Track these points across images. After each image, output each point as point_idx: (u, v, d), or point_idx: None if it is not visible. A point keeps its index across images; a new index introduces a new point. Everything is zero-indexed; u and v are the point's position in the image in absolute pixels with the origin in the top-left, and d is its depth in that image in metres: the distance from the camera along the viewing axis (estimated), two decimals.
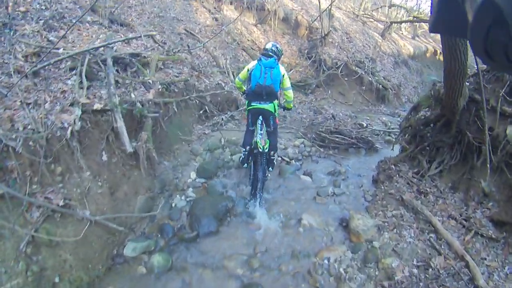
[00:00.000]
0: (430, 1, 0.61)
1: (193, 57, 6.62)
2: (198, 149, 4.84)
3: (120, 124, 3.10)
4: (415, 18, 16.40)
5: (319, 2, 11.33)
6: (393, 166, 4.56)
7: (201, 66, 6.34)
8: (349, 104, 10.22)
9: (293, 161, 5.06)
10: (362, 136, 6.34)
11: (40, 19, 4.42)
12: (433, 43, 19.88)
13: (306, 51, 11.00)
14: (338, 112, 9.09)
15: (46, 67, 3.47)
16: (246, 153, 4.11)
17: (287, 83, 3.66)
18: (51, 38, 4.18)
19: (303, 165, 5.07)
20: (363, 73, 10.69)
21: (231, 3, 10.46)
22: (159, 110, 3.88)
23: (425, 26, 20.93)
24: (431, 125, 4.18)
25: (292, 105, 4.05)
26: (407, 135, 4.77)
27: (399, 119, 9.34)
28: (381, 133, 7.35)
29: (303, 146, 5.66)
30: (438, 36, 21.94)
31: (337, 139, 5.98)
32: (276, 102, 3.76)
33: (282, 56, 4.04)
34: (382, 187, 4.14)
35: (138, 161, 3.55)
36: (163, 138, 4.39)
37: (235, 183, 4.23)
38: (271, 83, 3.51)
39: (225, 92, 6.33)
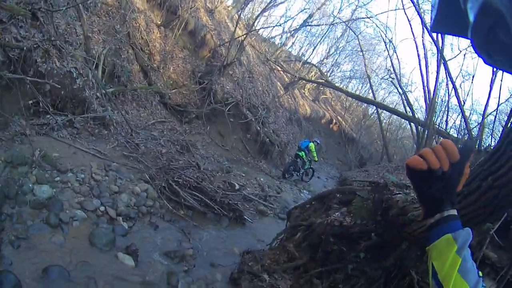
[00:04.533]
0: (431, 1, 0.56)
1: (59, 27, 4.87)
2: None
3: None
4: (325, 82, 16.71)
5: (235, 29, 10.29)
6: (266, 276, 3.13)
7: (61, 41, 4.53)
8: (225, 149, 8.89)
9: (120, 219, 3.66)
10: (229, 201, 4.96)
11: None
12: (330, 111, 20.38)
13: (199, 75, 9.43)
14: (210, 155, 7.34)
15: None
16: None
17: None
18: None
19: (133, 229, 3.72)
20: (253, 119, 9.48)
21: None
22: None
23: (329, 94, 22.26)
24: (351, 241, 2.63)
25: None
26: (299, 235, 3.42)
27: (278, 182, 8.14)
28: (255, 199, 5.77)
29: (145, 195, 4.18)
30: (337, 106, 22.77)
31: (195, 198, 3.97)
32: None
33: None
34: None
35: None
36: None
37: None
38: None
39: (75, 87, 4.63)
